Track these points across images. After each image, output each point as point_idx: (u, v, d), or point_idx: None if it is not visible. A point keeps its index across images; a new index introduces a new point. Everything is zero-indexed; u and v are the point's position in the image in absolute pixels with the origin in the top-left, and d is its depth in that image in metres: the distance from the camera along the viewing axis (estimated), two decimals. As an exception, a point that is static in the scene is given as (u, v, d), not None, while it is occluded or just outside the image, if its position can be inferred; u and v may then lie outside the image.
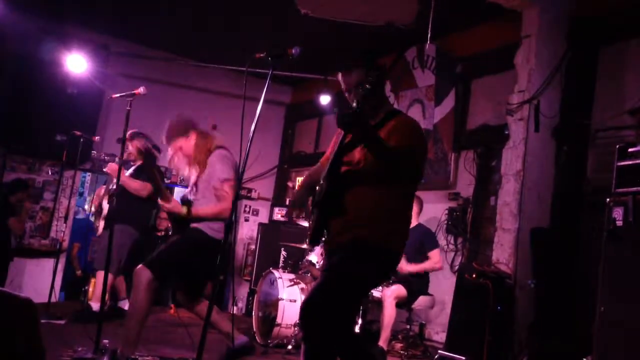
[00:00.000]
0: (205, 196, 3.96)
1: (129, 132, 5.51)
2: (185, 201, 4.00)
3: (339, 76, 2.95)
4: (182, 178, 4.48)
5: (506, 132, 5.23)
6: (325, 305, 2.65)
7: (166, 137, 4.15)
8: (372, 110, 2.88)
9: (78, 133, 5.87)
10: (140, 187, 5.49)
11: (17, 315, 1.95)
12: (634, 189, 3.52)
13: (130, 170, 5.73)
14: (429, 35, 5.43)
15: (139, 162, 5.68)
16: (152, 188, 5.46)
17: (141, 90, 4.26)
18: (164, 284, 3.86)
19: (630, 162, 3.61)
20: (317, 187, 2.90)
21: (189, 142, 4.10)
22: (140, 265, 3.73)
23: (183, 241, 3.90)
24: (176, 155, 4.13)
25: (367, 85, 2.63)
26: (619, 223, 3.55)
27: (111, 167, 5.48)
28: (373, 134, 2.65)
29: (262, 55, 2.98)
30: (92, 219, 6.71)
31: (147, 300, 3.68)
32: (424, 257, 5.49)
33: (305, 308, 2.69)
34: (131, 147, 5.61)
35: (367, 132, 2.62)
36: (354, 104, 2.61)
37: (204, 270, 3.98)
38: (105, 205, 5.73)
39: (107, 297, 5.09)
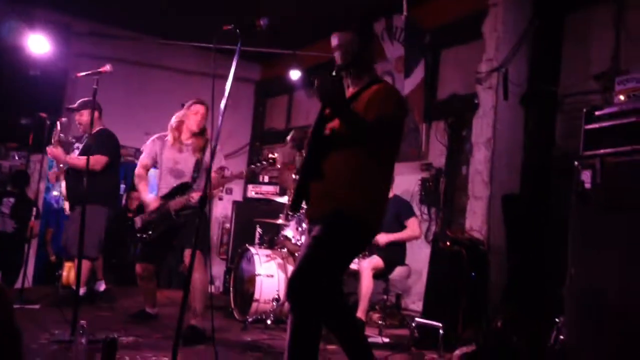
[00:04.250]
0: (202, 178, 4.41)
1: (78, 102, 5.41)
2: (186, 185, 4.46)
3: (332, 37, 2.99)
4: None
5: (476, 101, 5.28)
6: (310, 275, 2.72)
7: (200, 100, 4.61)
8: (356, 75, 2.95)
9: (44, 115, 5.72)
10: (91, 163, 5.18)
11: None
12: (602, 151, 3.57)
13: (79, 146, 5.49)
14: (404, 7, 5.40)
15: (93, 132, 5.26)
16: (105, 161, 5.29)
17: (107, 68, 4.18)
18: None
19: (597, 125, 3.65)
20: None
21: (204, 116, 4.57)
22: (198, 253, 4.08)
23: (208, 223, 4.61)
24: (194, 119, 4.54)
25: (354, 51, 2.84)
26: (587, 186, 3.60)
27: (51, 152, 5.29)
28: (344, 105, 2.70)
29: (229, 27, 2.94)
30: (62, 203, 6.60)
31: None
32: (401, 228, 5.51)
33: (291, 280, 2.76)
34: (83, 117, 5.38)
35: (338, 102, 2.68)
36: (335, 69, 2.78)
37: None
38: (63, 185, 5.54)
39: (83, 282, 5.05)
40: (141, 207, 4.76)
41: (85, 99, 5.30)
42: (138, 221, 4.63)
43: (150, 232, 4.55)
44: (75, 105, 5.42)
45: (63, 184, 5.54)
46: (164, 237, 4.56)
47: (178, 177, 4.57)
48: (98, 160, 5.18)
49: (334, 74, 2.84)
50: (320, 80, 2.65)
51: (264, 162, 4.22)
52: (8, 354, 1.78)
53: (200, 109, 4.59)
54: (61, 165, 5.43)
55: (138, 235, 4.63)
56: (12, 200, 6.67)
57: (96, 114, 5.32)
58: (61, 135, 5.75)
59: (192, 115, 4.58)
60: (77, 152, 5.44)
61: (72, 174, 5.30)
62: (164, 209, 4.49)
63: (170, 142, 4.61)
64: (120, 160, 5.80)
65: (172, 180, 4.56)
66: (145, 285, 4.83)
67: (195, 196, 4.29)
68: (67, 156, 5.30)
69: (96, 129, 5.30)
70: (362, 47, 2.94)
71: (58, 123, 5.32)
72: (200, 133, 4.61)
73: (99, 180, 5.21)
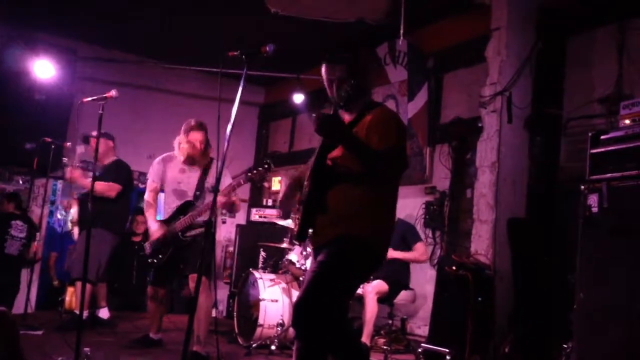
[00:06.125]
0: (208, 198, 4.48)
1: (95, 132, 5.46)
2: (188, 203, 4.52)
3: (323, 67, 2.95)
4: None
5: (480, 125, 5.28)
6: (316, 301, 2.68)
7: (199, 123, 4.62)
8: (350, 103, 2.89)
9: (48, 140, 5.75)
10: (106, 189, 5.37)
11: None
12: (608, 175, 3.57)
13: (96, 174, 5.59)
14: (401, 32, 5.43)
15: (106, 162, 5.58)
16: (119, 189, 5.37)
17: (113, 93, 4.20)
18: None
19: (602, 149, 3.66)
20: (304, 185, 2.92)
21: (203, 141, 4.62)
22: (204, 278, 4.27)
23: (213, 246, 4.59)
24: (191, 146, 4.58)
25: (348, 89, 2.76)
26: (594, 210, 3.60)
27: (70, 173, 5.36)
28: (350, 139, 2.70)
29: (235, 53, 2.96)
30: (69, 226, 6.60)
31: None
32: (407, 250, 5.51)
33: (297, 306, 2.73)
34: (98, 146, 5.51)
35: (344, 138, 2.69)
36: (333, 104, 2.76)
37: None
38: (76, 210, 5.62)
39: (86, 305, 5.02)
40: (147, 233, 4.78)
41: (103, 131, 5.41)
42: (147, 247, 4.65)
43: (160, 256, 4.57)
44: (94, 133, 5.47)
45: (73, 210, 5.59)
46: (173, 260, 4.57)
47: (181, 197, 4.62)
48: (113, 187, 5.34)
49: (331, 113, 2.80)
50: (319, 118, 2.67)
51: (260, 169, 4.20)
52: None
53: (198, 136, 4.60)
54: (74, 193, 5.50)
55: (149, 260, 4.64)
56: (20, 223, 6.61)
57: (111, 143, 5.59)
58: (64, 159, 5.80)
59: (192, 144, 4.60)
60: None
61: (85, 199, 5.35)
62: (169, 232, 4.51)
63: (174, 163, 4.67)
64: (133, 189, 5.87)
65: (176, 201, 4.62)
66: (154, 308, 4.83)
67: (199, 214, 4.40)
68: (85, 180, 5.35)
69: (111, 159, 5.50)
70: (356, 79, 2.83)
71: (77, 147, 5.38)
72: (203, 154, 4.66)
73: (110, 207, 5.32)
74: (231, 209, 4.79)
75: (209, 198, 4.46)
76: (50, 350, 4.28)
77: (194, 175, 4.64)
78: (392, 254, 5.30)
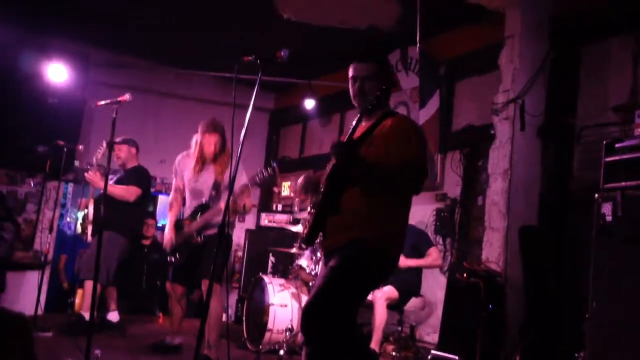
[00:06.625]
0: (225, 197, 4.31)
1: (119, 138, 5.53)
2: (204, 206, 4.52)
3: (351, 66, 2.99)
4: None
5: (491, 132, 5.26)
6: (326, 306, 2.66)
7: (213, 125, 4.57)
8: (371, 110, 2.92)
9: (61, 143, 5.79)
10: (125, 193, 5.42)
11: (12, 331, 1.90)
12: (622, 184, 3.54)
13: (117, 176, 5.69)
14: (417, 39, 5.43)
15: (129, 167, 5.66)
16: (138, 194, 5.43)
17: (127, 97, 4.22)
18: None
19: (617, 158, 3.64)
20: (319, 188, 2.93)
21: (218, 143, 4.55)
22: (215, 283, 4.15)
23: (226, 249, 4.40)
24: (206, 148, 4.55)
25: (378, 93, 2.82)
26: (609, 219, 3.57)
27: (90, 176, 5.40)
28: (362, 165, 2.72)
29: (250, 58, 2.97)
30: (79, 229, 6.61)
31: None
32: (419, 257, 5.49)
33: (306, 311, 2.71)
34: (121, 152, 5.61)
35: (356, 164, 2.72)
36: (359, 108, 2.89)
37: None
38: (91, 210, 5.64)
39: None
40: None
41: (126, 137, 5.56)
42: (167, 245, 4.67)
43: (177, 256, 4.60)
44: (118, 139, 5.53)
45: (88, 210, 5.62)
46: (191, 262, 4.55)
47: (197, 197, 4.62)
48: (132, 192, 5.40)
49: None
50: (333, 147, 2.73)
51: (263, 172, 4.19)
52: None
53: (212, 139, 4.60)
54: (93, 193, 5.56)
55: (168, 258, 4.67)
56: (7, 225, 6.54)
57: (133, 150, 5.72)
58: (76, 162, 5.84)
59: (207, 146, 4.60)
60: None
61: (104, 201, 5.36)
62: (186, 233, 4.54)
63: (192, 163, 4.64)
64: (150, 197, 5.92)
65: (193, 201, 4.63)
66: (173, 307, 4.80)
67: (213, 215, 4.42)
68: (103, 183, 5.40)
69: (133, 164, 5.56)
70: (385, 83, 2.91)
71: (99, 150, 5.44)
72: (218, 156, 4.62)
73: (127, 211, 5.37)
74: (239, 210, 4.74)
75: (224, 197, 4.41)
76: (60, 353, 4.29)
77: (209, 174, 4.61)
78: (406, 262, 5.29)
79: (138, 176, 5.61)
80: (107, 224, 4.97)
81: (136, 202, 5.49)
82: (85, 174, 5.45)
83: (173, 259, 4.61)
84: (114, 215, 4.82)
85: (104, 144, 5.35)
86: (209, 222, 4.46)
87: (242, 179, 4.42)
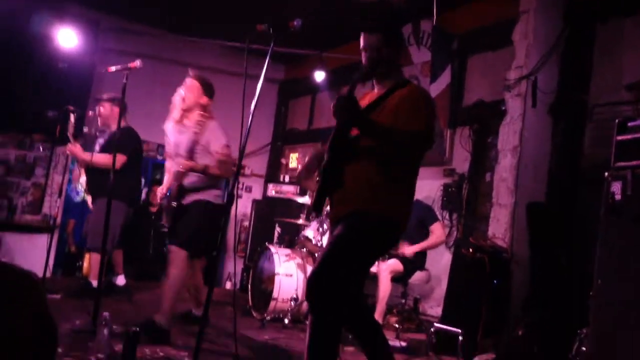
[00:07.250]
0: (203, 159, 4.19)
1: (104, 94, 5.47)
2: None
3: (362, 36, 2.97)
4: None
5: (503, 108, 5.24)
6: (330, 274, 2.66)
7: (199, 76, 4.45)
8: (382, 77, 2.94)
9: (70, 108, 5.77)
10: (107, 161, 4.94)
11: (19, 287, 1.83)
12: (633, 162, 3.51)
13: (101, 141, 5.55)
14: (434, 12, 5.36)
15: (113, 128, 5.42)
16: (124, 160, 5.22)
17: (137, 64, 4.22)
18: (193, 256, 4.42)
19: (629, 137, 3.60)
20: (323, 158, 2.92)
21: (203, 102, 4.36)
22: (174, 247, 4.15)
23: (200, 215, 4.24)
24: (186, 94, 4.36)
25: (379, 56, 2.83)
26: (618, 197, 3.55)
27: (70, 149, 5.33)
28: (365, 122, 2.71)
29: (263, 27, 2.94)
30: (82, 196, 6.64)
31: (184, 274, 4.22)
32: (425, 233, 5.51)
33: (312, 279, 2.71)
34: (103, 110, 5.50)
35: (358, 121, 2.70)
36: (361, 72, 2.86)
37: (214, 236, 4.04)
38: (84, 179, 5.57)
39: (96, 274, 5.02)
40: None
41: (113, 93, 5.37)
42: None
43: (163, 222, 4.49)
44: (104, 96, 5.49)
45: (83, 178, 5.59)
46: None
47: (176, 158, 4.34)
48: (116, 159, 5.17)
49: (349, 91, 2.73)
50: (335, 103, 2.67)
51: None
52: (45, 346, 1.75)
53: (195, 84, 4.37)
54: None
55: (161, 223, 4.65)
56: None
57: (116, 109, 5.34)
58: (85, 128, 5.82)
59: (188, 91, 4.37)
60: (98, 147, 5.50)
61: (92, 168, 5.34)
62: (168, 198, 4.34)
63: (172, 124, 4.37)
64: (142, 157, 5.82)
65: (174, 165, 4.32)
66: (187, 278, 4.49)
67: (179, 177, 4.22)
68: (85, 154, 5.34)
69: (116, 125, 5.31)
70: (390, 49, 2.92)
71: (72, 116, 5.32)
72: (198, 106, 4.34)
73: (119, 177, 5.21)
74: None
75: (202, 160, 4.19)
76: (69, 314, 4.35)
77: (188, 136, 4.26)
78: (411, 249, 5.34)
79: (123, 141, 5.15)
80: (103, 192, 4.92)
81: (126, 167, 5.27)
82: (67, 148, 5.35)
83: (163, 224, 4.50)
84: (107, 182, 4.67)
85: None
86: (176, 185, 4.21)
87: (221, 140, 4.24)
